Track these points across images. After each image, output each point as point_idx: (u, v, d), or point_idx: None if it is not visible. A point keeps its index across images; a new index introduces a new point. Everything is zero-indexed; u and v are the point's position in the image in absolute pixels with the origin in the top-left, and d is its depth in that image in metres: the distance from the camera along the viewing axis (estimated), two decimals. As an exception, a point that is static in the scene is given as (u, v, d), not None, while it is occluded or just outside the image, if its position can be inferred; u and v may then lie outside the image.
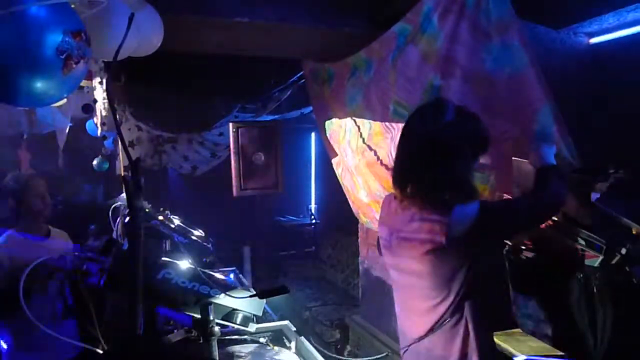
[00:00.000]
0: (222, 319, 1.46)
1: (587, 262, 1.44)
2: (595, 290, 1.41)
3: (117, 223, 1.87)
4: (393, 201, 1.55)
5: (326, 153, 3.34)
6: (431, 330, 1.43)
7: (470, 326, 1.40)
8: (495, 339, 1.74)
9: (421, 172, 1.41)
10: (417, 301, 1.49)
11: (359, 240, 3.50)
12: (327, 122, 3.08)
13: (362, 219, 3.14)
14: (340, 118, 2.86)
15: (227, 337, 1.87)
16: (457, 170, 1.40)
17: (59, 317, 2.41)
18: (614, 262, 1.38)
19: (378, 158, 2.47)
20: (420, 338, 1.46)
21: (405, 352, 1.56)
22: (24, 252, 2.32)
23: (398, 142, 1.51)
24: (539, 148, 1.55)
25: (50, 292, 2.37)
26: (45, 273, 2.34)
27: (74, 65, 1.34)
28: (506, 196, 1.61)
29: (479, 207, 1.35)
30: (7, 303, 2.13)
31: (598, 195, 1.51)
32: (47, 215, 2.51)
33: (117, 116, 1.50)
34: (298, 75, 3.56)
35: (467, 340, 1.40)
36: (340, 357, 3.48)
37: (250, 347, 1.88)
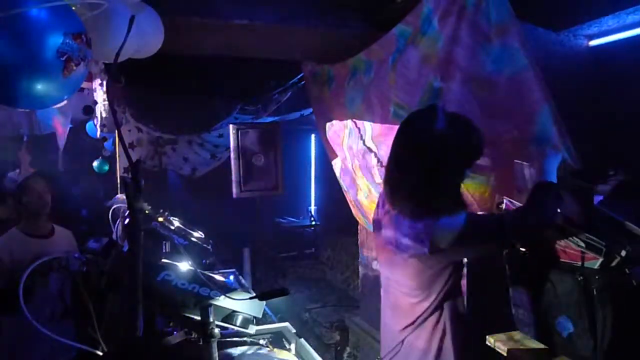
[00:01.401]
0: (222, 321, 1.46)
1: (587, 263, 1.43)
2: (595, 292, 1.41)
3: (117, 225, 1.86)
4: (386, 201, 1.58)
5: (326, 154, 3.34)
6: (412, 325, 1.52)
7: (447, 324, 1.50)
8: (493, 340, 1.74)
9: (410, 178, 1.43)
10: (400, 298, 1.57)
11: (359, 241, 3.50)
12: (327, 124, 3.08)
13: (362, 220, 3.14)
14: (340, 120, 2.87)
15: (227, 339, 1.87)
16: (445, 178, 1.42)
17: (57, 318, 2.40)
18: (614, 264, 1.38)
19: (378, 160, 2.47)
20: (402, 331, 1.55)
21: (387, 344, 1.64)
22: (24, 250, 2.32)
23: (391, 147, 1.53)
24: (543, 156, 1.51)
25: (49, 293, 2.36)
26: (46, 270, 2.33)
27: (75, 67, 1.34)
28: (507, 199, 1.60)
29: (465, 219, 1.37)
30: (6, 301, 2.13)
31: (601, 198, 1.50)
32: (47, 214, 2.51)
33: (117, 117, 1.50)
34: (298, 77, 3.57)
35: (444, 338, 1.50)
36: None
37: (250, 349, 1.88)
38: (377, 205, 1.69)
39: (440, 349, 1.50)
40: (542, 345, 1.63)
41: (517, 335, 1.74)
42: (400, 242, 1.46)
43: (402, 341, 1.56)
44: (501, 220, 1.45)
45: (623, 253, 1.35)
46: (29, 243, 2.38)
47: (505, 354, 1.66)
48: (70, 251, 2.49)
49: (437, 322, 1.50)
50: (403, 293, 1.56)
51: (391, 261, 1.56)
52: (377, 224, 1.65)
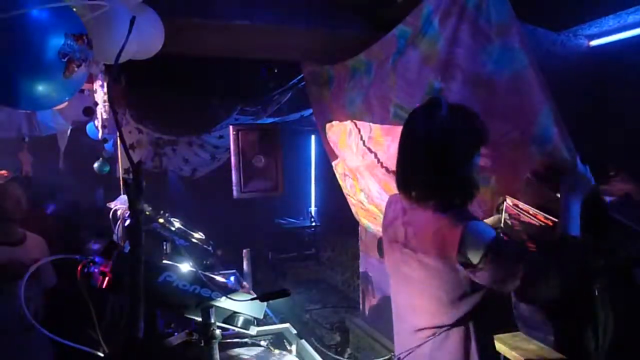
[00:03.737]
0: (223, 322, 1.46)
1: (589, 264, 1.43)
2: (596, 292, 1.41)
3: (117, 226, 1.86)
4: (400, 201, 1.52)
5: (326, 155, 3.34)
6: (434, 334, 1.42)
7: (472, 331, 1.40)
8: (495, 341, 1.74)
9: (422, 173, 1.39)
10: (422, 304, 1.46)
11: (359, 242, 3.50)
12: (327, 125, 3.08)
13: (362, 221, 3.14)
14: (340, 120, 2.87)
15: (228, 340, 1.87)
16: (457, 167, 1.37)
17: (24, 329, 2.27)
18: (615, 264, 1.38)
19: (378, 160, 2.47)
20: (422, 340, 1.44)
21: (404, 355, 1.52)
22: None
23: (398, 146, 1.48)
24: (566, 193, 1.36)
25: (16, 301, 2.26)
26: (12, 277, 2.22)
27: (76, 69, 1.34)
28: (508, 199, 1.59)
29: (494, 236, 1.28)
30: None
31: (608, 199, 1.49)
32: (22, 220, 2.44)
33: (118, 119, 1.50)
34: (298, 77, 3.57)
35: (469, 346, 1.41)
36: (340, 359, 3.46)
37: (251, 351, 1.88)
38: (389, 205, 1.63)
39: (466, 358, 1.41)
40: (543, 346, 1.63)
41: (518, 335, 1.74)
42: (425, 243, 1.38)
43: (421, 352, 1.45)
44: (526, 260, 1.29)
45: (625, 253, 1.35)
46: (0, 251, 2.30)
47: (507, 356, 1.66)
48: (43, 258, 2.38)
49: (460, 329, 1.40)
50: (426, 300, 1.44)
51: (412, 264, 1.45)
52: (393, 224, 1.56)
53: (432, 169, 1.37)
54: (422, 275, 1.43)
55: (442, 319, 1.41)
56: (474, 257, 1.27)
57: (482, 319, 1.42)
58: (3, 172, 2.59)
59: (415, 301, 1.49)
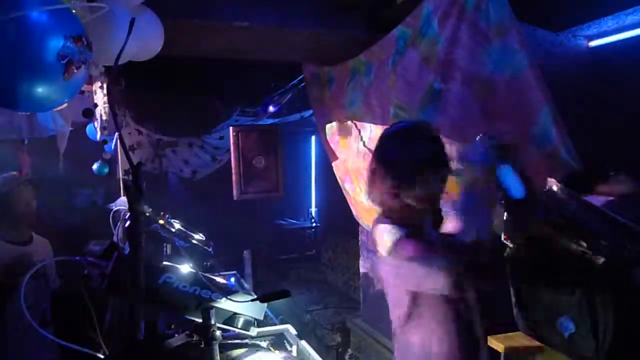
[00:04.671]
0: (224, 323, 1.46)
1: (588, 264, 1.43)
2: (596, 292, 1.41)
3: (117, 227, 1.86)
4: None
5: (326, 156, 3.35)
6: (403, 322, 1.58)
7: (429, 321, 1.52)
8: (495, 341, 1.74)
9: (372, 189, 1.61)
10: (390, 296, 1.64)
11: (360, 243, 3.50)
12: (327, 126, 3.08)
13: (363, 221, 3.14)
14: (340, 121, 2.87)
15: (228, 342, 1.86)
16: (398, 188, 1.49)
17: (42, 323, 2.32)
18: (615, 264, 1.38)
19: (378, 161, 2.47)
20: (396, 327, 1.63)
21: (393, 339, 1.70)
22: (3, 256, 2.27)
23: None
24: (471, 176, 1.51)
25: (26, 301, 2.27)
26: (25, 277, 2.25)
27: (75, 70, 1.34)
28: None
29: (397, 238, 1.45)
30: None
31: (608, 199, 1.49)
32: (31, 221, 2.48)
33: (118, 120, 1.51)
34: (298, 78, 3.57)
35: (428, 333, 1.52)
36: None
37: (251, 351, 1.88)
38: None
39: (427, 346, 1.53)
40: (544, 347, 1.63)
41: (518, 335, 1.74)
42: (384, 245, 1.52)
43: (398, 337, 1.61)
44: (454, 246, 1.47)
45: (625, 253, 1.35)
46: (9, 250, 2.34)
47: (501, 352, 1.67)
48: (49, 258, 2.46)
49: (419, 321, 1.53)
50: (391, 292, 1.61)
51: (386, 262, 1.58)
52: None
53: (377, 187, 1.56)
54: (393, 268, 1.59)
55: (402, 312, 1.55)
56: (402, 254, 1.45)
57: (435, 311, 1.52)
58: (14, 173, 2.61)
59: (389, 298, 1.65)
